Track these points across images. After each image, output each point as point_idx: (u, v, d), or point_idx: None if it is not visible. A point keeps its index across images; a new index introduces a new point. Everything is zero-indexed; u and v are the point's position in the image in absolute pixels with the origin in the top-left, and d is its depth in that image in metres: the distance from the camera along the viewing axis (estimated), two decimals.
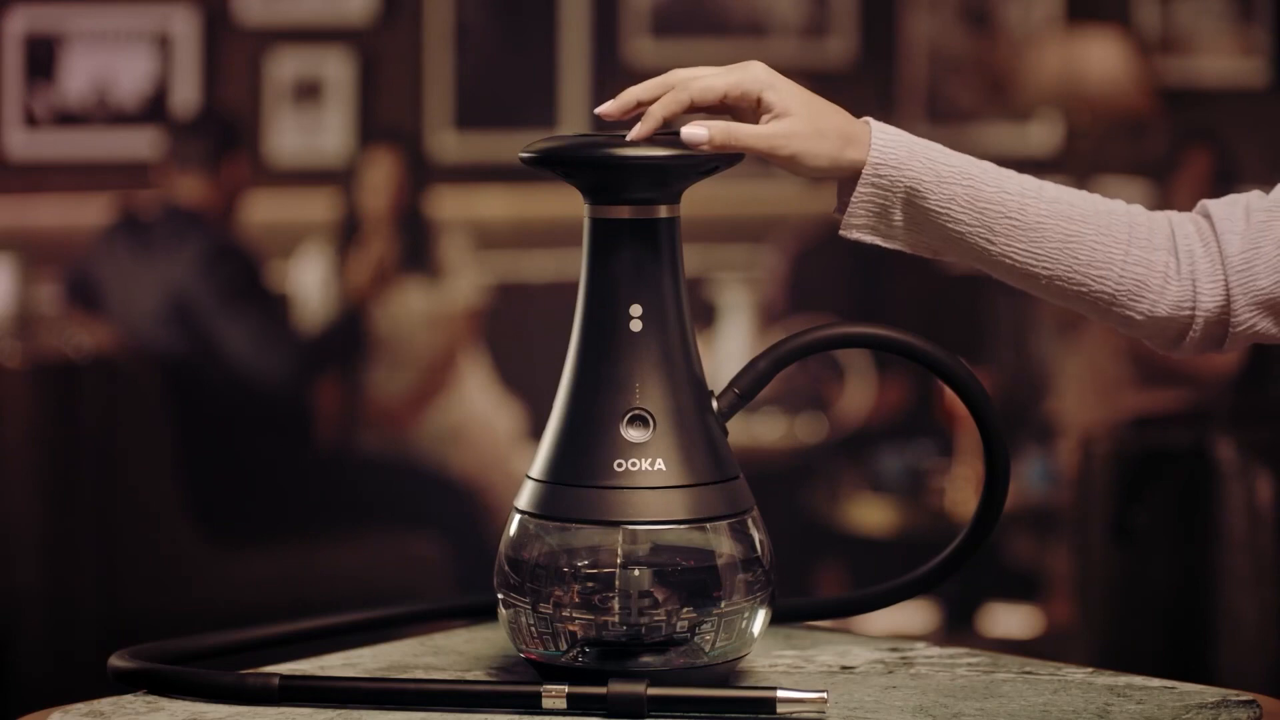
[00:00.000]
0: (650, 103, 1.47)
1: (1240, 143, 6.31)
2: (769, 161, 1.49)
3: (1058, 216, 1.55)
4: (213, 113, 5.88)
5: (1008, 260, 1.55)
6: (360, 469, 5.23)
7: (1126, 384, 5.56)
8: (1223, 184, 5.61)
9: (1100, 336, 5.69)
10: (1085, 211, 1.57)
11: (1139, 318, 1.58)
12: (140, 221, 4.96)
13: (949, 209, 1.52)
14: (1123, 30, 6.52)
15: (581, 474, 1.42)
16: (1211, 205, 1.61)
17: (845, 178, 1.53)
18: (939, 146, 1.56)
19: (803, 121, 1.49)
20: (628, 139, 1.44)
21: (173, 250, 4.85)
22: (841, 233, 1.53)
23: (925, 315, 5.92)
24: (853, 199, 1.52)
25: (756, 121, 1.49)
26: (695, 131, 1.45)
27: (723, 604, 1.41)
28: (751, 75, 1.49)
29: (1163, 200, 5.82)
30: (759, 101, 1.48)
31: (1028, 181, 1.57)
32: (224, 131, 5.15)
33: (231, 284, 4.81)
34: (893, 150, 1.52)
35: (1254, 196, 1.61)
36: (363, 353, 5.28)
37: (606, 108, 1.48)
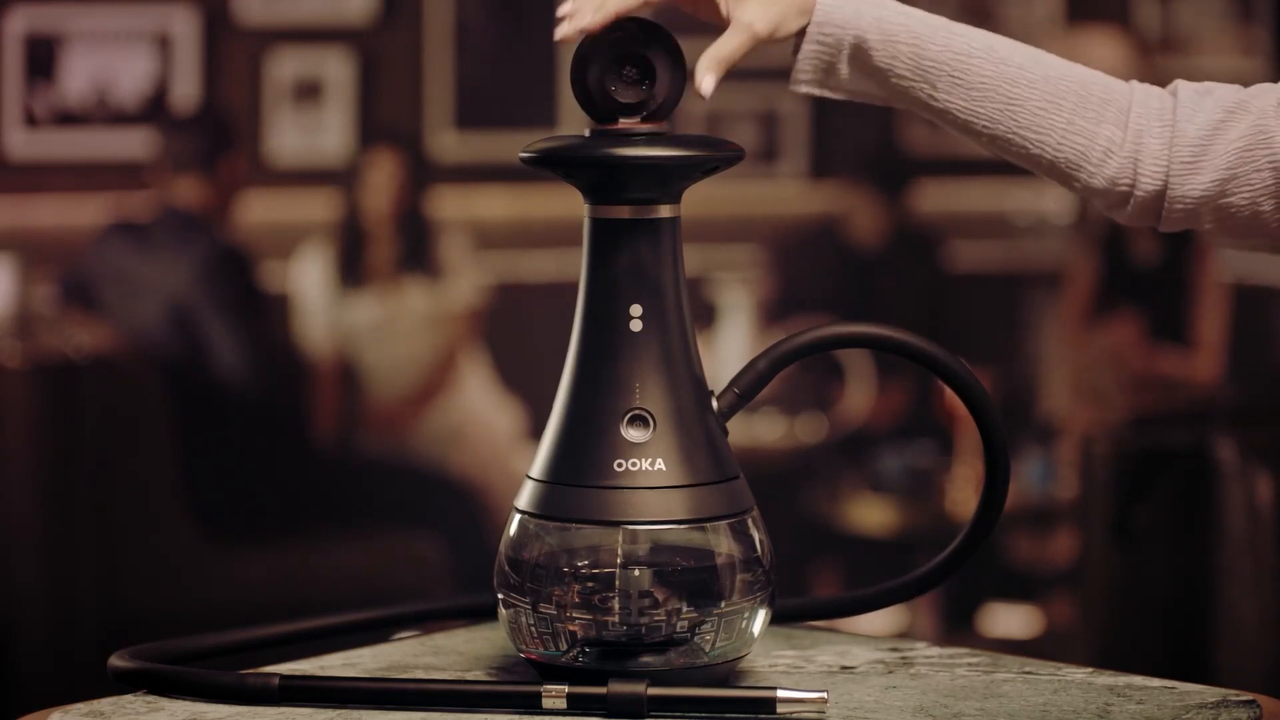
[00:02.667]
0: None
1: None
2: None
3: (1002, 79, 1.58)
4: (208, 111, 5.87)
5: (950, 114, 1.59)
6: (360, 469, 5.23)
7: (1113, 391, 5.57)
8: None
9: (1087, 345, 5.69)
10: (1033, 77, 1.58)
11: (1078, 185, 1.61)
12: (138, 223, 4.96)
13: (892, 65, 1.57)
14: (1123, 30, 6.52)
15: (581, 474, 1.42)
16: (1183, 87, 1.61)
17: (796, 30, 1.57)
18: (892, 3, 1.58)
19: (755, 4, 1.54)
20: (560, 33, 1.46)
21: (174, 254, 4.84)
22: (790, 86, 1.58)
23: (925, 315, 5.92)
24: (799, 55, 1.56)
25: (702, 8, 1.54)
26: (705, 83, 1.48)
27: (723, 604, 1.41)
28: None
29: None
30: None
31: (977, 39, 1.59)
32: (219, 131, 5.14)
33: (230, 293, 4.80)
34: (839, 8, 1.55)
35: (1227, 91, 1.61)
36: (257, 299, 5.09)
37: (561, 30, 1.49)
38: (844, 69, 1.56)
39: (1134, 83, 1.63)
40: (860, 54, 1.56)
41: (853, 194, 6.00)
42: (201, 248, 4.83)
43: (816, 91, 1.60)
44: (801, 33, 1.56)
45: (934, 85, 1.57)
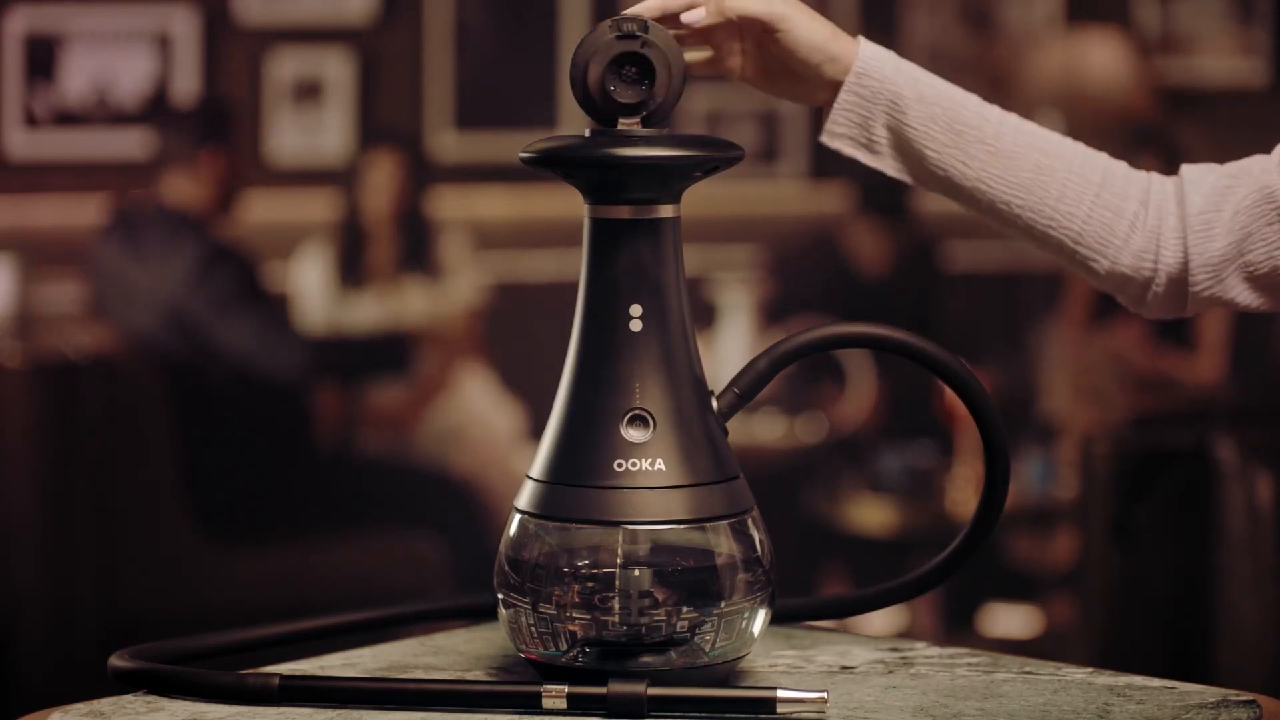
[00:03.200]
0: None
1: (1240, 143, 6.30)
2: (765, 34, 1.57)
3: (1033, 149, 1.61)
4: (203, 104, 5.84)
5: (982, 187, 1.60)
6: (360, 469, 5.23)
7: (1113, 392, 5.57)
8: None
9: (1089, 345, 5.69)
10: (1062, 150, 1.62)
11: (1104, 263, 1.63)
12: (133, 223, 4.94)
13: (928, 128, 1.58)
14: (1123, 30, 6.52)
15: (581, 474, 1.42)
16: (1186, 168, 1.65)
17: (829, 83, 1.59)
18: (925, 71, 1.60)
19: (797, 6, 1.58)
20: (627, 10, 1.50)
21: (166, 256, 4.82)
22: (822, 139, 1.60)
23: (924, 316, 5.92)
24: (835, 105, 1.58)
25: (746, 45, 1.58)
26: (693, 15, 1.53)
27: (723, 604, 1.41)
28: None
29: None
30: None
31: (1010, 116, 1.63)
32: (210, 123, 5.11)
33: (226, 291, 4.78)
34: (878, 62, 1.58)
35: (1230, 164, 1.65)
36: (403, 371, 5.28)
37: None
38: (880, 130, 1.58)
39: (1153, 173, 1.66)
40: (896, 112, 1.57)
41: (855, 224, 6.00)
42: (191, 248, 4.81)
43: (848, 149, 1.60)
44: (834, 90, 1.58)
45: (968, 153, 1.59)
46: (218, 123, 5.12)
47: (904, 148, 1.60)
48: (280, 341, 4.83)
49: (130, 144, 5.99)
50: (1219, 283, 1.62)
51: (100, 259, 4.92)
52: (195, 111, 5.40)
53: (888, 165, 1.62)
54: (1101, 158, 1.63)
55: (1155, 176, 1.65)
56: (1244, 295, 1.63)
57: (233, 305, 4.77)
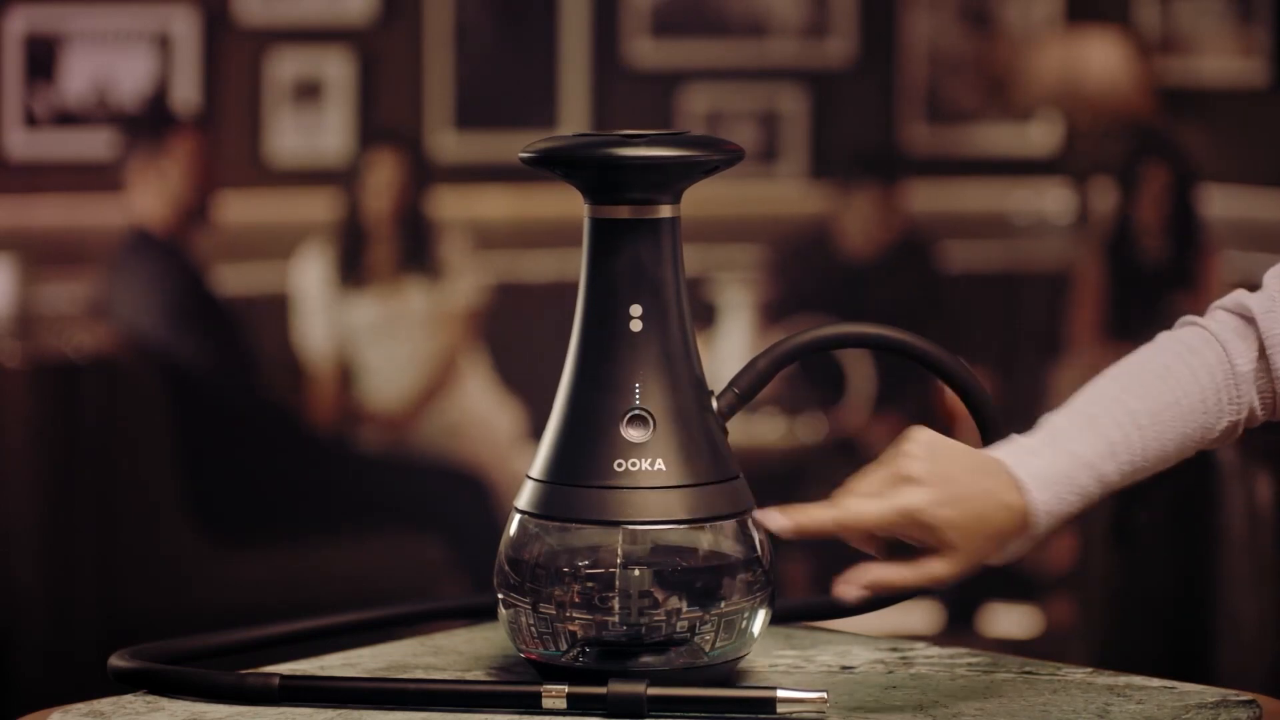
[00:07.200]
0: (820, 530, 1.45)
1: (1240, 143, 6.30)
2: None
3: (1165, 440, 1.49)
4: (152, 106, 5.82)
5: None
6: (361, 469, 5.23)
7: None
8: (1182, 194, 5.62)
9: (1103, 346, 5.68)
10: (1182, 413, 1.49)
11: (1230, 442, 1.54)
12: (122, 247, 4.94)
13: (1105, 491, 1.49)
14: (1123, 30, 6.52)
15: (581, 474, 1.42)
16: (1254, 306, 1.51)
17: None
18: (1082, 453, 1.47)
19: (964, 554, 1.47)
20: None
21: (126, 275, 4.83)
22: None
23: (924, 316, 5.92)
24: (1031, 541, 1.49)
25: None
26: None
27: (723, 604, 1.41)
28: (909, 514, 1.45)
29: (1123, 208, 5.82)
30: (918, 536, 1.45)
31: (1130, 432, 1.50)
32: (161, 126, 5.09)
33: (176, 313, 4.76)
34: (1056, 506, 1.47)
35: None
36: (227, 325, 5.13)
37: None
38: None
39: (1195, 325, 1.52)
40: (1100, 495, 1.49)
41: (847, 195, 5.99)
42: (144, 269, 4.80)
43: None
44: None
45: (1134, 480, 1.50)
46: (169, 124, 5.10)
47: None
48: (234, 362, 4.82)
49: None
50: None
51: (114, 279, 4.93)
52: (146, 115, 5.35)
53: None
54: (1192, 388, 1.50)
55: (1218, 330, 1.51)
56: None
57: (197, 330, 4.76)
